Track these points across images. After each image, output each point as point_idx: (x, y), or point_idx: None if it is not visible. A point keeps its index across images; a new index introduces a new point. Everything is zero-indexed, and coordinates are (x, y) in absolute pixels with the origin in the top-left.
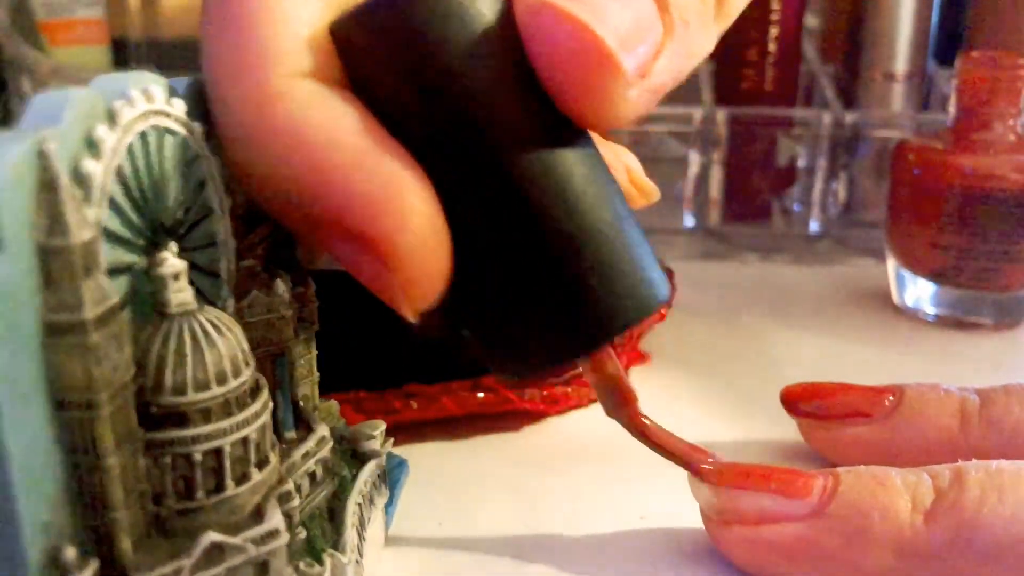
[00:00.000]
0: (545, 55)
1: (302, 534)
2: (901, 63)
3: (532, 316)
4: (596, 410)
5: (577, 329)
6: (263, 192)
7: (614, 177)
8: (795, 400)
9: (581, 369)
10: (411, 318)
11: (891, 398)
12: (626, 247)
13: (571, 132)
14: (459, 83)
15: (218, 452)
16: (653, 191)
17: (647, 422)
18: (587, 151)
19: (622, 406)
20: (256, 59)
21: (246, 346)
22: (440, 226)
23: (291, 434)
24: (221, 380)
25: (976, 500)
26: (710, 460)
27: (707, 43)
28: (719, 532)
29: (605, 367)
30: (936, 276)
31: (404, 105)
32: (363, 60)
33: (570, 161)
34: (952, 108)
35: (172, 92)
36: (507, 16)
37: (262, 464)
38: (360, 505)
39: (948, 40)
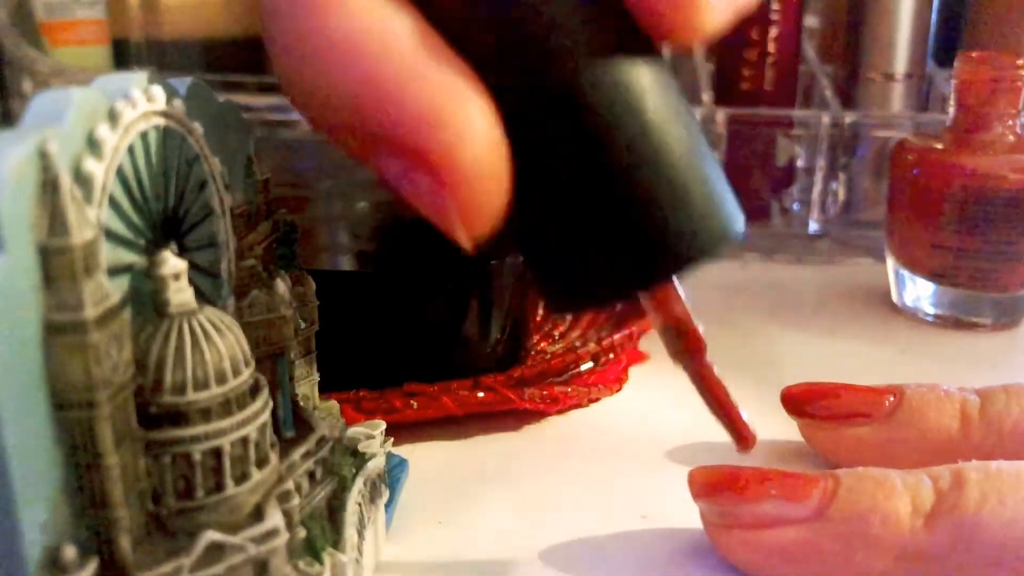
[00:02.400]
0: None
1: (302, 533)
2: (900, 63)
3: (595, 242)
4: (596, 410)
5: (644, 259)
6: (312, 105)
7: (688, 105)
8: (796, 401)
9: (644, 307)
10: (467, 245)
11: (891, 399)
12: (700, 174)
13: (646, 47)
14: None
15: (218, 451)
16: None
17: (711, 375)
18: (662, 70)
19: (688, 352)
20: None
21: (246, 346)
22: (500, 142)
23: (291, 433)
24: (221, 379)
25: (976, 502)
26: (754, 439)
27: None
28: (719, 535)
29: (672, 306)
30: (935, 276)
31: (464, 13)
32: None
33: (644, 79)
34: (951, 108)
35: (173, 92)
36: None
37: (262, 463)
38: (360, 504)
39: (947, 41)
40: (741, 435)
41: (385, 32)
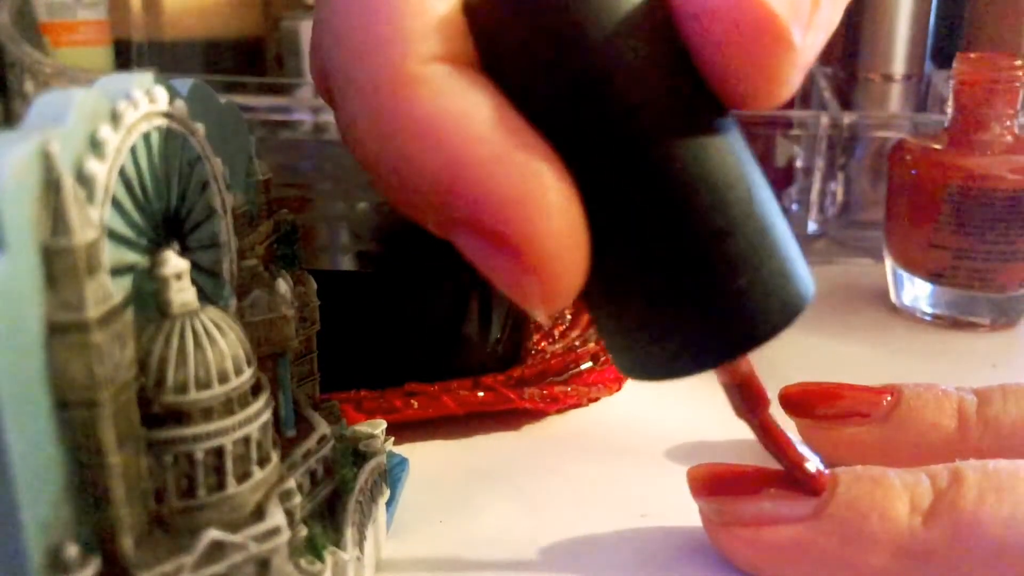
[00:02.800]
0: (705, 32)
1: (303, 532)
2: (899, 64)
3: (671, 318)
4: (596, 410)
5: (721, 333)
6: (394, 184)
7: (758, 165)
8: (794, 401)
9: (715, 371)
10: (544, 320)
11: (889, 398)
12: (775, 242)
13: (720, 116)
14: (603, 65)
15: (219, 450)
16: None
17: (777, 428)
18: (736, 138)
19: (753, 410)
20: (390, 40)
21: (248, 345)
22: (580, 224)
23: (292, 433)
24: (223, 379)
25: (974, 500)
26: (823, 488)
27: (838, 16)
28: (718, 533)
29: (740, 368)
30: (933, 276)
31: (542, 90)
32: (498, 41)
33: (721, 150)
34: (949, 109)
35: (175, 93)
36: None
37: (263, 462)
38: (361, 503)
39: (946, 41)
40: (810, 485)
41: (466, 113)
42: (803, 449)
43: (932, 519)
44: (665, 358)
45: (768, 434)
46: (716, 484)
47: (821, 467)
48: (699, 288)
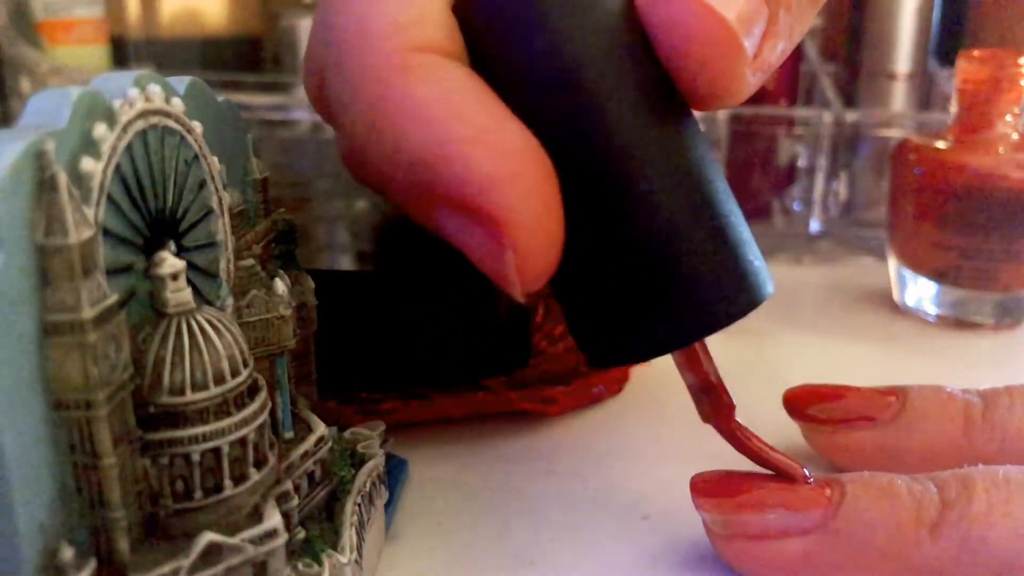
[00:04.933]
0: (670, 36)
1: (301, 534)
2: (902, 62)
3: (632, 301)
4: (596, 410)
5: (679, 318)
6: (378, 166)
7: (719, 166)
8: (798, 403)
9: (676, 366)
10: (520, 298)
11: (894, 401)
12: (734, 236)
13: (686, 115)
14: (579, 65)
15: (216, 452)
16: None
17: (743, 433)
18: (699, 135)
19: (716, 414)
20: (381, 31)
21: (244, 346)
22: (558, 203)
23: (290, 434)
24: (219, 380)
25: (983, 513)
26: (807, 475)
27: (805, 27)
28: (723, 546)
29: (701, 366)
30: (937, 276)
31: (522, 83)
32: (482, 37)
33: (686, 145)
34: (953, 107)
35: (171, 91)
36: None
37: (260, 464)
38: (359, 505)
39: (949, 39)
40: (789, 477)
41: (451, 97)
42: (778, 455)
43: (940, 531)
44: (626, 342)
45: (734, 439)
46: (719, 495)
47: (803, 470)
48: (658, 274)
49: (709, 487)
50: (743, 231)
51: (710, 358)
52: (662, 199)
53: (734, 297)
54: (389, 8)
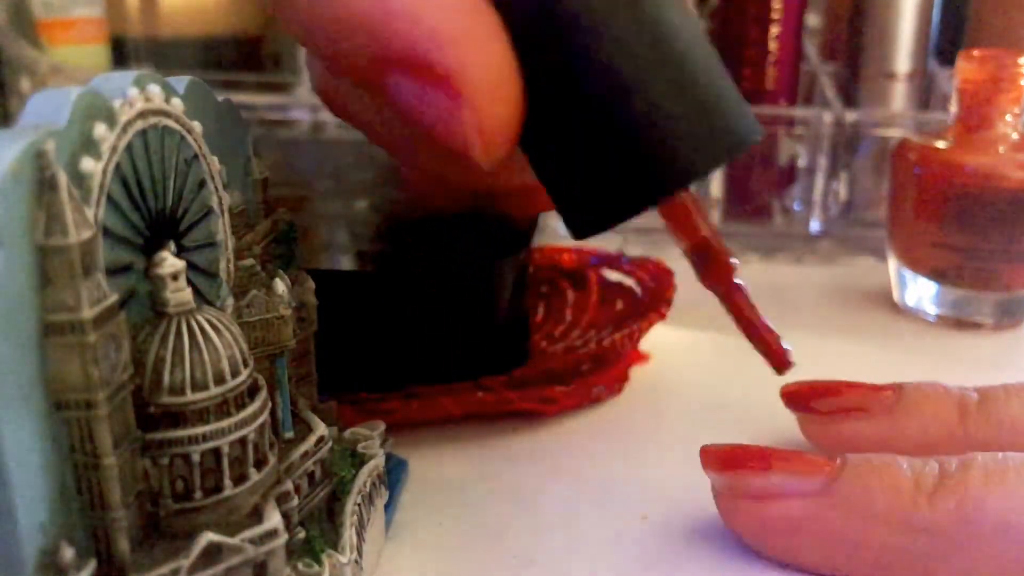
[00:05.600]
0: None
1: (301, 534)
2: (902, 62)
3: (603, 158)
4: (596, 411)
5: (655, 169)
6: (327, 32)
7: (698, 23)
8: (795, 397)
9: (670, 230)
10: (485, 165)
11: (890, 394)
12: (707, 82)
13: None
14: None
15: (216, 452)
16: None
17: (742, 298)
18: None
19: (714, 275)
20: None
21: (244, 346)
22: (511, 58)
23: (290, 434)
24: (219, 380)
25: (981, 479)
26: (787, 362)
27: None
28: (728, 507)
29: (692, 224)
30: (937, 275)
31: None
32: None
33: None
34: (953, 107)
35: (171, 91)
36: None
37: (260, 464)
38: (359, 505)
39: (949, 39)
40: (776, 356)
41: None
42: (771, 326)
43: (938, 496)
44: (605, 202)
45: (734, 304)
46: (728, 459)
47: (789, 347)
48: (626, 129)
49: (719, 452)
50: (719, 80)
51: (703, 215)
52: (622, 48)
53: (709, 144)
54: None
